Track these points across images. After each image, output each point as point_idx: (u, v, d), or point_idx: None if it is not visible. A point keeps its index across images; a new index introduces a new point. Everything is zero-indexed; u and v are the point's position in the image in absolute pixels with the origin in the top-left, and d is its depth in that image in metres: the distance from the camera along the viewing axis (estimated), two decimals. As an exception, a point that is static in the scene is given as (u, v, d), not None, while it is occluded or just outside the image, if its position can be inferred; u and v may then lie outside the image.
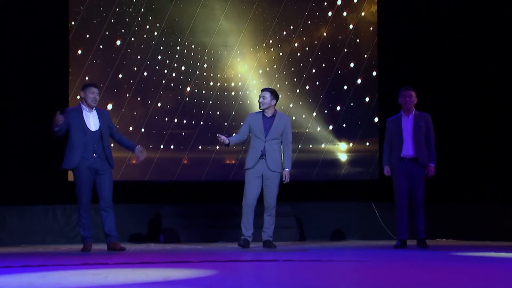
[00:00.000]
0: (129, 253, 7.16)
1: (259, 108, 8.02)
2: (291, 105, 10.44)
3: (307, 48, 10.49)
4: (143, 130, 10.13)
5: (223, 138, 7.85)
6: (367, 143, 10.45)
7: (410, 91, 8.15)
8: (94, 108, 7.68)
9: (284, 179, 7.92)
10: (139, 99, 10.18)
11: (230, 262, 5.57)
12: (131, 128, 10.09)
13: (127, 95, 10.13)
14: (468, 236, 9.50)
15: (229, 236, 9.08)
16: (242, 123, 8.26)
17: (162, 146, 10.16)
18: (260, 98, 7.98)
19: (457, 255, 6.63)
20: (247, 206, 7.87)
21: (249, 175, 7.91)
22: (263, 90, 8.05)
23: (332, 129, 10.42)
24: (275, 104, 8.01)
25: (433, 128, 8.17)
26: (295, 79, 10.48)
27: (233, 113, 10.22)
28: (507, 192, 9.68)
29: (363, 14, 10.56)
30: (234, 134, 8.37)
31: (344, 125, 10.45)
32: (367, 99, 10.51)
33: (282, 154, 8.00)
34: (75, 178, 7.60)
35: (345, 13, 10.54)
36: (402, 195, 8.08)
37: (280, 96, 8.23)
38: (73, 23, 9.95)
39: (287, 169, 7.94)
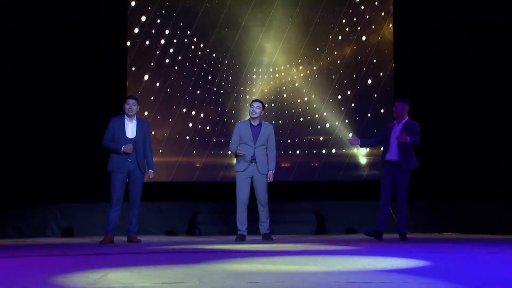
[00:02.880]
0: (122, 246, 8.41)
1: (251, 117, 9.10)
2: (325, 114, 11.66)
3: (338, 61, 11.68)
4: (197, 138, 11.69)
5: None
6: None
7: (396, 102, 9.16)
8: (135, 118, 8.88)
9: (268, 179, 9.07)
10: (193, 113, 11.75)
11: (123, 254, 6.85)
12: (187, 137, 11.70)
13: (184, 110, 11.74)
14: (474, 231, 10.39)
15: (253, 230, 10.36)
16: (232, 133, 9.32)
17: (213, 152, 11.67)
18: (253, 107, 9.06)
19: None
20: (241, 204, 9.07)
21: (240, 176, 9.09)
22: (255, 101, 9.17)
23: (358, 135, 11.50)
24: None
25: (419, 133, 8.91)
26: (329, 90, 11.69)
27: (272, 123, 11.54)
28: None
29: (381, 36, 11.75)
30: (233, 148, 9.21)
31: (375, 131, 11.50)
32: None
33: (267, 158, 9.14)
34: (111, 178, 8.78)
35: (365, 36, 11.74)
36: (385, 194, 9.09)
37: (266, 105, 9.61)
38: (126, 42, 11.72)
39: (271, 171, 9.08)
